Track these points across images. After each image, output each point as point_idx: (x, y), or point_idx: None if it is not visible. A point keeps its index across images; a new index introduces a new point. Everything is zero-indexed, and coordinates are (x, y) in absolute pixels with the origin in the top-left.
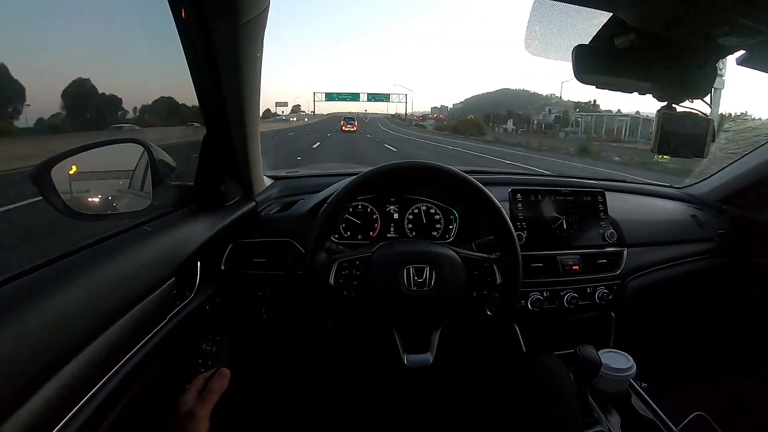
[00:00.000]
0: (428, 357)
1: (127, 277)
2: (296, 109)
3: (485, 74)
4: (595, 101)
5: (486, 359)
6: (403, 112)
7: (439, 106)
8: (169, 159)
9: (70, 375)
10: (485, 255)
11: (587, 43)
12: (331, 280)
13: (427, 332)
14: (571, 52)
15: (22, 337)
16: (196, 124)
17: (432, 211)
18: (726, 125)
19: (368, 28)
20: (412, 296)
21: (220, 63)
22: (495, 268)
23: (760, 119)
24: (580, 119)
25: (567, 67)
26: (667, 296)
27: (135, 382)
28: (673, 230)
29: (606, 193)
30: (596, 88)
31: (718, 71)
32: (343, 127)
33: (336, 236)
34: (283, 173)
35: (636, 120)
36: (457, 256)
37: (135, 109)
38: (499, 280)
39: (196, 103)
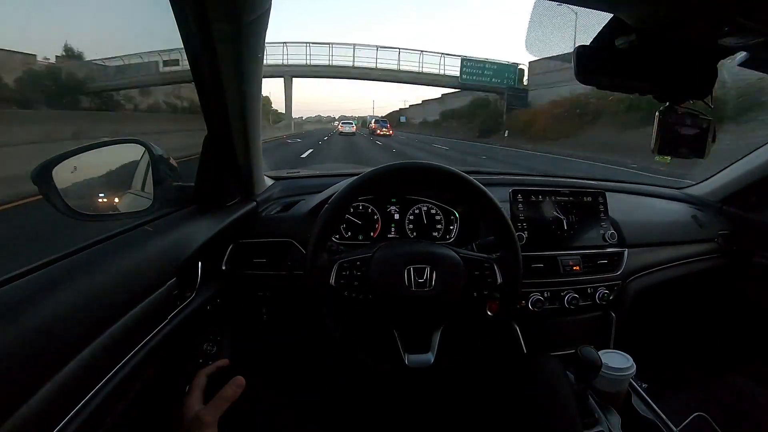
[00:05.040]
0: (429, 357)
1: (128, 277)
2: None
3: None
4: None
5: (486, 360)
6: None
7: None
8: (170, 159)
9: (70, 375)
10: (486, 255)
11: (588, 44)
12: (332, 281)
13: (428, 332)
14: (572, 53)
15: (22, 337)
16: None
17: (433, 211)
18: None
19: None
20: (413, 296)
21: (222, 64)
22: (496, 268)
23: None
24: None
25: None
26: (668, 297)
27: (136, 382)
28: (673, 231)
29: (606, 193)
30: (597, 88)
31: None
32: (341, 129)
33: (336, 236)
34: (284, 173)
35: None
36: (457, 256)
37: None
38: (499, 281)
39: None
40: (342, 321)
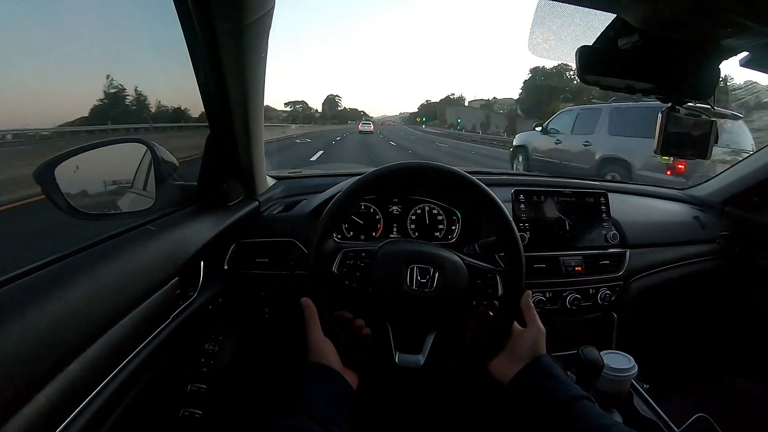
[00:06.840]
0: (419, 358)
1: (130, 276)
2: None
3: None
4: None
5: (485, 360)
6: None
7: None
8: (172, 158)
9: (74, 374)
10: (491, 266)
11: (591, 44)
12: (335, 268)
13: (422, 334)
14: (574, 53)
15: (26, 336)
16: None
17: (435, 211)
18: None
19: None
20: (412, 295)
21: (225, 63)
22: (498, 279)
23: None
24: None
25: None
26: (670, 298)
27: (138, 381)
28: (675, 232)
29: (608, 194)
30: (600, 89)
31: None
32: (360, 128)
33: (339, 236)
34: (286, 173)
35: None
36: (462, 262)
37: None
38: (500, 292)
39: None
40: (338, 310)
